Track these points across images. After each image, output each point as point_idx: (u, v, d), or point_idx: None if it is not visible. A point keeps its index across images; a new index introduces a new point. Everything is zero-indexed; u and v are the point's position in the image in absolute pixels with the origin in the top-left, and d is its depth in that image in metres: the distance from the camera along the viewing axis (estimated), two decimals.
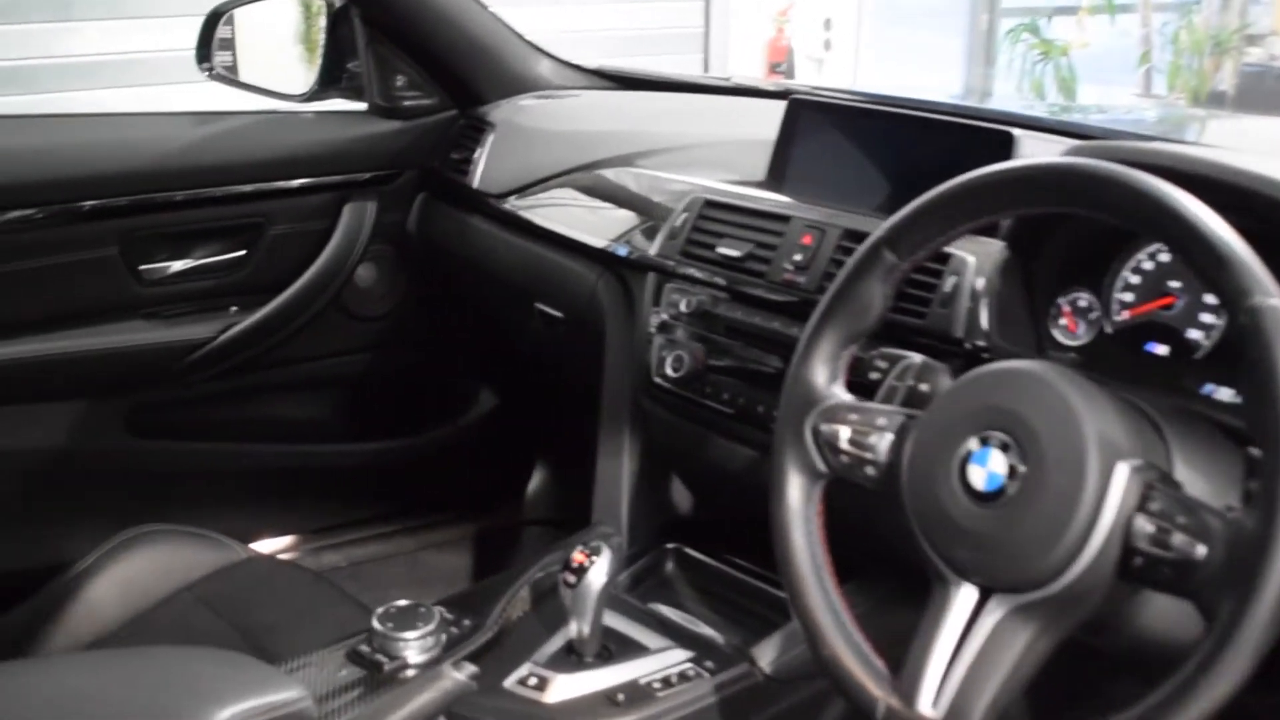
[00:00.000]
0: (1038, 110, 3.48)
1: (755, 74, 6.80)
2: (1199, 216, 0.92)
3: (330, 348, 2.18)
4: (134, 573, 1.64)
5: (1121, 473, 0.93)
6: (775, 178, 1.60)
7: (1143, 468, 0.94)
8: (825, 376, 1.15)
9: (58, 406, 1.97)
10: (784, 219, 1.48)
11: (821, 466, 1.13)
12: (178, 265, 2.01)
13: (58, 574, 1.67)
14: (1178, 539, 0.89)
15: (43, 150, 1.90)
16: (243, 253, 2.05)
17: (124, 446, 2.03)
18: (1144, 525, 0.91)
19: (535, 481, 2.43)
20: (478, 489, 2.41)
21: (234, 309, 2.06)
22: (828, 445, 1.13)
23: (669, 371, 1.53)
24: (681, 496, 1.69)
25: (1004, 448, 0.98)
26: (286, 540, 2.23)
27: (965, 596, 0.99)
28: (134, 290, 1.97)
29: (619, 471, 1.65)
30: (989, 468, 0.98)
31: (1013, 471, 0.97)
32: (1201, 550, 0.87)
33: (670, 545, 1.64)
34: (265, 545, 2.17)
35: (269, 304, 2.06)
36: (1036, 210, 1.11)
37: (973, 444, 1.00)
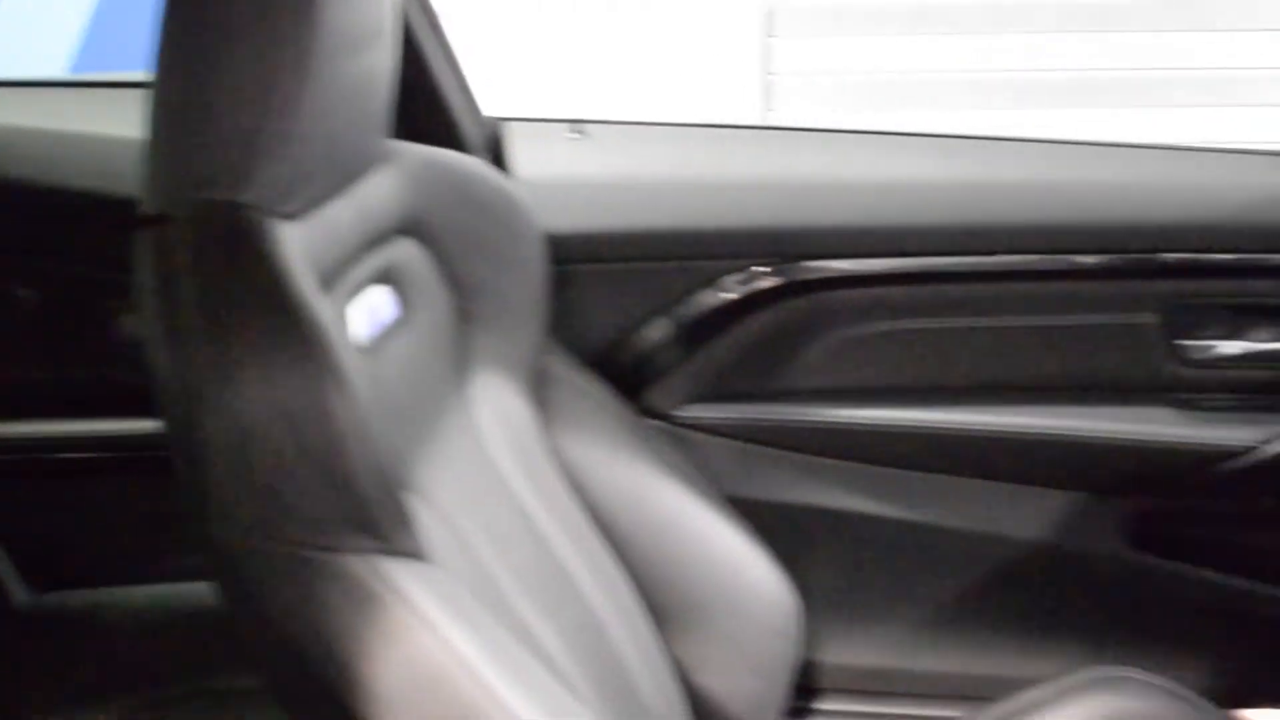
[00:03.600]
0: None
1: None
2: None
3: None
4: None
5: None
6: None
7: None
8: None
9: (1045, 494, 1.68)
10: None
11: None
12: (1228, 348, 1.63)
13: (1001, 689, 1.47)
14: None
15: (1086, 185, 1.64)
16: None
17: (1115, 557, 1.69)
18: None
19: None
20: None
21: None
22: None
23: None
24: None
25: None
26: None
27: None
28: (1168, 371, 1.64)
29: None
30: None
31: None
32: None
33: None
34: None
35: None
36: None
37: None
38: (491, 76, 1.81)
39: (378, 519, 0.93)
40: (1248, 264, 1.60)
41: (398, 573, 0.93)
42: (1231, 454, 1.61)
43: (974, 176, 1.66)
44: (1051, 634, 1.69)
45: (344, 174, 1.09)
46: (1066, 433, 1.63)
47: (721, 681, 1.44)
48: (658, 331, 1.64)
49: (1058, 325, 1.62)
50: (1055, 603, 1.71)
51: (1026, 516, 1.68)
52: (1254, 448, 1.60)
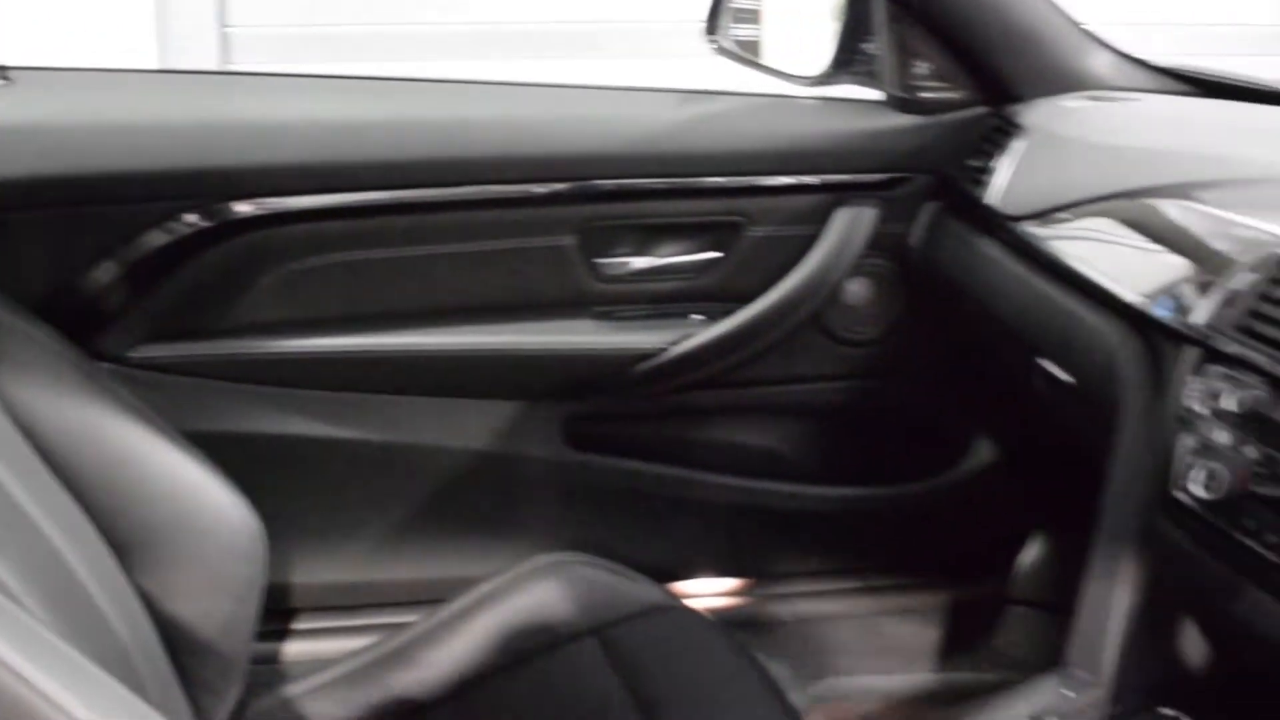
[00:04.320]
0: None
1: None
2: None
3: (803, 371, 1.90)
4: (541, 604, 1.50)
5: None
6: None
7: None
8: None
9: (490, 405, 1.82)
10: None
11: None
12: (639, 263, 1.81)
13: (464, 586, 1.56)
14: None
15: (506, 123, 1.75)
16: (715, 255, 1.81)
17: (556, 458, 1.86)
18: None
19: (1029, 554, 2.03)
20: (958, 553, 2.05)
21: (697, 317, 1.82)
22: None
23: (1197, 488, 1.12)
24: (1193, 651, 1.27)
25: None
26: (722, 584, 1.99)
27: None
28: (588, 286, 1.79)
29: (1110, 603, 1.25)
30: None
31: None
32: None
33: (1168, 712, 1.23)
34: (697, 586, 1.94)
35: (738, 315, 1.81)
36: None
37: None
38: None
39: None
40: (650, 188, 1.76)
41: None
42: (646, 356, 1.79)
43: (403, 116, 1.74)
44: (504, 532, 1.83)
45: None
46: (502, 348, 1.77)
47: (191, 607, 1.47)
48: (105, 275, 1.65)
49: (488, 250, 1.74)
50: (505, 503, 1.86)
51: (473, 427, 1.82)
52: (664, 349, 1.80)
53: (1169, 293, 1.27)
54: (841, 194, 1.81)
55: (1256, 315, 1.13)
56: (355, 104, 1.78)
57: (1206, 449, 1.13)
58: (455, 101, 1.83)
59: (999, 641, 1.97)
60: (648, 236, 1.81)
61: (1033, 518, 2.03)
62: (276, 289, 1.70)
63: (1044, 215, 1.57)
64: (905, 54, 1.79)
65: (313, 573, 1.80)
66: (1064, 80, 1.75)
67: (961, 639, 1.98)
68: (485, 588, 1.54)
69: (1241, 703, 1.21)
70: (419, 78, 1.86)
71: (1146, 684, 1.24)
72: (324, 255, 1.70)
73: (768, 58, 1.90)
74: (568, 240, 1.75)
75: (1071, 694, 1.05)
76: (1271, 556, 1.06)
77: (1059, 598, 1.39)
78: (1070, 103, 1.74)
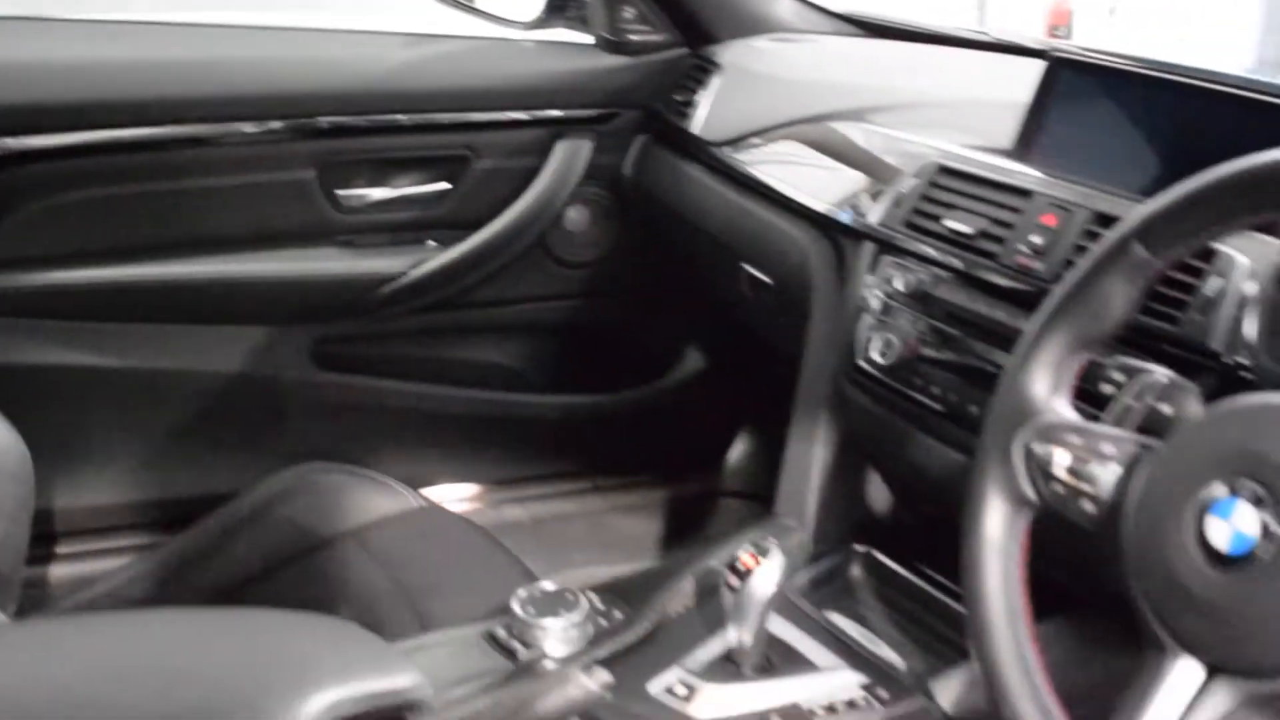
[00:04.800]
0: None
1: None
2: None
3: (530, 292, 2.08)
4: (300, 511, 1.59)
5: None
6: (1024, 146, 1.38)
7: None
8: (1046, 386, 0.97)
9: (242, 331, 1.92)
10: (1025, 194, 1.27)
11: (1030, 494, 0.95)
12: (376, 194, 1.93)
13: (224, 502, 1.64)
14: None
15: (248, 63, 1.83)
16: (446, 185, 1.95)
17: (306, 378, 1.97)
18: None
19: (737, 450, 2.27)
20: (674, 453, 2.27)
21: (432, 244, 1.97)
22: (1040, 470, 0.94)
23: (875, 356, 1.35)
24: (879, 495, 1.51)
25: (1258, 502, 0.80)
26: (466, 489, 2.15)
27: (1186, 673, 0.82)
28: (329, 217, 1.90)
29: (810, 460, 1.48)
30: (1235, 524, 0.80)
31: (1266, 531, 0.79)
32: None
33: (860, 548, 1.47)
34: (443, 492, 2.09)
35: (469, 241, 1.96)
36: None
37: (1218, 491, 0.81)
38: None
39: None
40: (383, 124, 1.88)
41: None
42: (386, 280, 1.93)
43: (147, 57, 1.80)
44: (259, 449, 1.93)
45: None
46: (251, 276, 1.86)
47: None
48: None
49: (234, 185, 1.82)
50: (259, 422, 1.96)
51: (226, 352, 1.91)
52: (403, 273, 1.93)
53: (848, 201, 1.50)
54: (560, 129, 1.98)
55: (918, 213, 1.36)
56: (97, 45, 1.81)
57: (882, 324, 1.37)
58: (200, 43, 1.89)
59: (713, 531, 2.19)
60: (384, 170, 1.93)
61: (740, 417, 2.26)
62: (33, 224, 1.73)
63: (740, 141, 1.78)
64: (613, 1, 1.97)
65: (77, 497, 1.86)
66: (753, 24, 1.98)
67: (681, 530, 2.19)
68: (243, 501, 1.62)
69: (918, 536, 1.46)
70: (162, 20, 1.90)
71: (843, 525, 1.48)
72: (78, 191, 1.74)
73: (484, 3, 2.01)
74: (308, 174, 1.85)
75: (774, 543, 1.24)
76: (937, 406, 1.30)
77: (765, 489, 1.57)
78: (759, 43, 1.96)
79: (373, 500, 1.60)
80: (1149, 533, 0.85)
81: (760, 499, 2.09)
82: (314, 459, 1.69)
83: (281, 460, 1.69)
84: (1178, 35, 7.14)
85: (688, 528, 2.20)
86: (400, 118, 1.89)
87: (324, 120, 1.84)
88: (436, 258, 1.95)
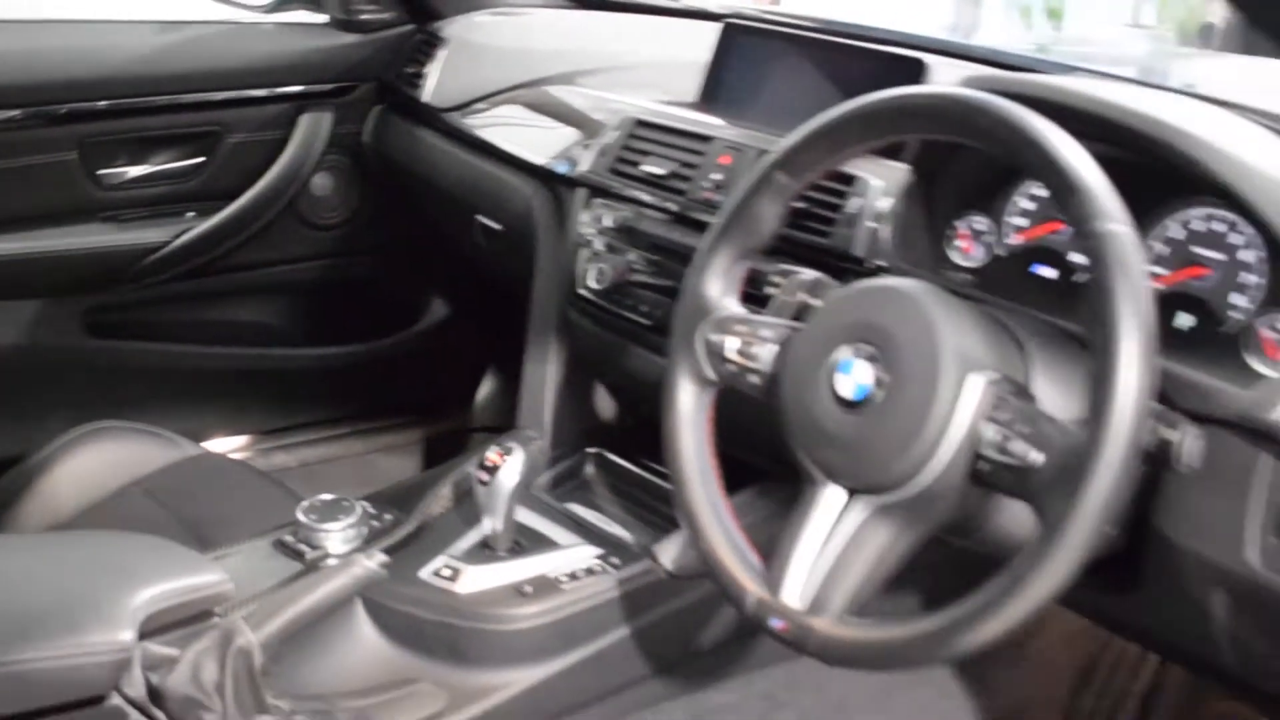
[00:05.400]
0: (1016, 44, 3.46)
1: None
2: (1054, 144, 0.96)
3: (285, 254, 2.25)
4: (87, 467, 1.68)
5: (974, 384, 0.97)
6: (706, 99, 1.65)
7: (996, 380, 0.98)
8: (718, 289, 1.20)
9: (16, 305, 2.03)
10: (706, 139, 1.53)
11: (711, 375, 1.19)
12: (136, 171, 2.07)
13: (11, 467, 1.72)
14: (1017, 446, 0.93)
15: (7, 55, 1.93)
16: (200, 160, 2.11)
17: (81, 346, 2.10)
18: (990, 433, 0.96)
19: (485, 389, 2.49)
20: (428, 395, 2.48)
21: (190, 214, 2.12)
22: (717, 355, 1.18)
23: (593, 284, 1.59)
24: (605, 404, 1.76)
25: (871, 359, 1.03)
26: (238, 440, 2.30)
27: (832, 496, 1.04)
28: (92, 194, 2.03)
29: (544, 378, 1.71)
30: (855, 377, 1.03)
31: (879, 381, 1.02)
32: (1038, 457, 0.92)
33: (592, 450, 1.71)
34: (218, 445, 2.23)
35: (225, 210, 2.12)
36: (916, 135, 1.16)
37: (844, 354, 1.05)
38: None
39: None
40: (138, 106, 2.02)
41: None
42: (150, 250, 2.08)
43: None
44: (39, 416, 2.01)
45: None
46: (22, 254, 1.98)
47: None
48: None
49: (2, 169, 1.93)
50: (36, 390, 2.08)
51: (3, 325, 2.02)
52: (167, 243, 2.09)
53: (563, 154, 1.74)
54: (302, 103, 2.16)
55: (621, 160, 1.61)
56: None
57: (597, 256, 1.60)
58: None
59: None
60: (142, 148, 2.07)
61: (485, 359, 2.48)
62: None
63: (467, 106, 2.00)
64: None
65: None
66: (472, 0, 2.19)
67: (436, 464, 2.38)
68: (30, 463, 1.70)
69: (640, 436, 1.70)
70: None
71: (576, 431, 1.72)
72: None
73: None
74: (70, 156, 1.98)
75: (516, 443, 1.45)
76: (645, 322, 1.55)
77: (512, 423, 1.77)
78: (480, 17, 2.18)
79: (153, 452, 1.71)
80: (796, 391, 1.09)
81: (508, 431, 2.32)
82: (95, 421, 1.76)
83: (64, 424, 1.75)
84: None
85: (443, 462, 2.38)
86: (154, 99, 2.03)
87: (82, 105, 1.96)
88: (196, 227, 2.10)
